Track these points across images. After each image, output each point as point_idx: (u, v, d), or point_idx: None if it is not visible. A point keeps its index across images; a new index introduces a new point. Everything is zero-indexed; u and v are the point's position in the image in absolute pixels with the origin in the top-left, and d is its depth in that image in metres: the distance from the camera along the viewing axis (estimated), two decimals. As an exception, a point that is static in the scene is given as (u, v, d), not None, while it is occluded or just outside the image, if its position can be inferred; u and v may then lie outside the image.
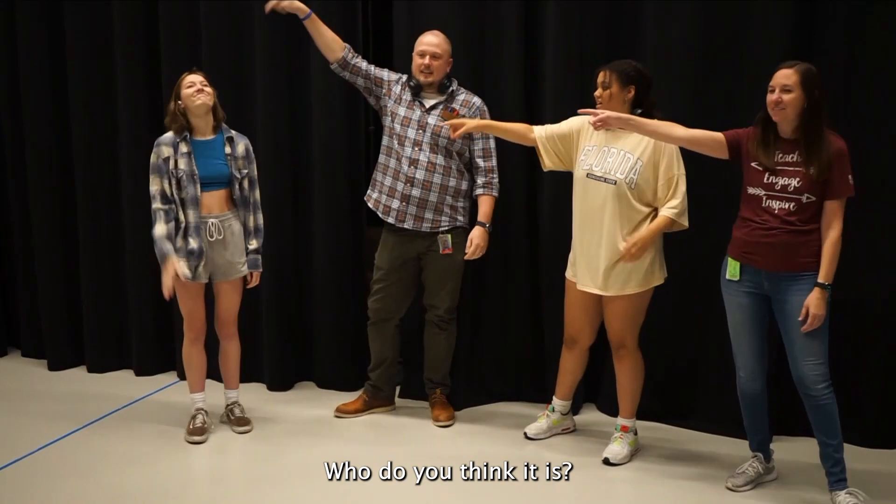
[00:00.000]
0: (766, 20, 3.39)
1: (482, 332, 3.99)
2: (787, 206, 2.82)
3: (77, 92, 4.34)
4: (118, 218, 4.39)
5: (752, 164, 2.90)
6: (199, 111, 3.41)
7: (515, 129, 3.40)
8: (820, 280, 2.78)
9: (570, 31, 3.67)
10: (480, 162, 3.67)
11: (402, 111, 3.64)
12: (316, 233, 4.12)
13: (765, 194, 2.85)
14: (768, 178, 2.85)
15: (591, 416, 3.89)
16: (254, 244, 3.55)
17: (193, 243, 3.40)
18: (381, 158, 3.71)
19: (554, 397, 3.60)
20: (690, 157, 3.54)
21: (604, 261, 3.20)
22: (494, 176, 3.67)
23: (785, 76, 2.79)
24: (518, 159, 3.81)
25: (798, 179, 2.80)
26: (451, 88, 3.64)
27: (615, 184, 3.15)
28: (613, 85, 3.17)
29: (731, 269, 2.96)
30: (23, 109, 4.46)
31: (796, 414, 3.25)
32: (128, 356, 4.51)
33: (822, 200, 2.80)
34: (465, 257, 3.63)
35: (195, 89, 3.40)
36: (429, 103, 3.62)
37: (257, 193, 3.58)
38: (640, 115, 3.10)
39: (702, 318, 3.60)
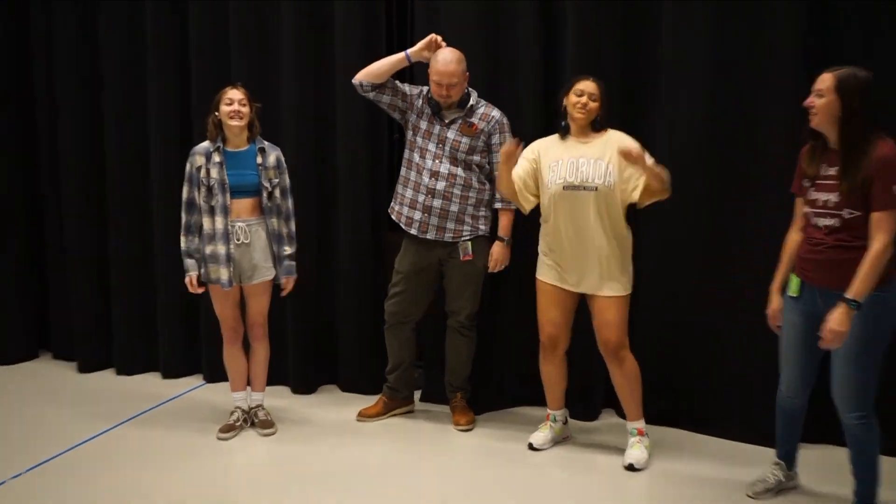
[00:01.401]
0: (780, 25, 3.38)
1: (500, 336, 4.02)
2: (830, 222, 2.67)
3: (110, 100, 4.46)
4: (147, 223, 4.49)
5: (802, 182, 2.79)
6: (234, 130, 3.54)
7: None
8: (847, 295, 2.55)
9: (589, 35, 3.69)
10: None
11: (423, 125, 3.68)
12: (339, 238, 4.19)
13: (811, 211, 2.74)
14: (811, 195, 2.73)
15: (610, 420, 3.91)
16: (288, 250, 3.65)
17: (222, 249, 3.50)
18: (403, 171, 3.76)
19: (549, 409, 3.61)
20: (711, 167, 3.56)
21: (597, 264, 3.27)
22: None
23: (821, 80, 2.65)
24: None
25: (836, 195, 2.64)
26: (469, 103, 3.66)
27: (596, 189, 3.21)
28: (600, 99, 3.27)
29: (793, 284, 2.83)
30: (58, 117, 4.57)
31: (821, 421, 3.23)
32: (155, 359, 4.61)
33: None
34: (489, 271, 3.71)
35: (232, 110, 3.49)
36: (448, 118, 3.66)
37: (290, 202, 3.67)
38: (594, 126, 3.27)
39: (723, 320, 3.60)
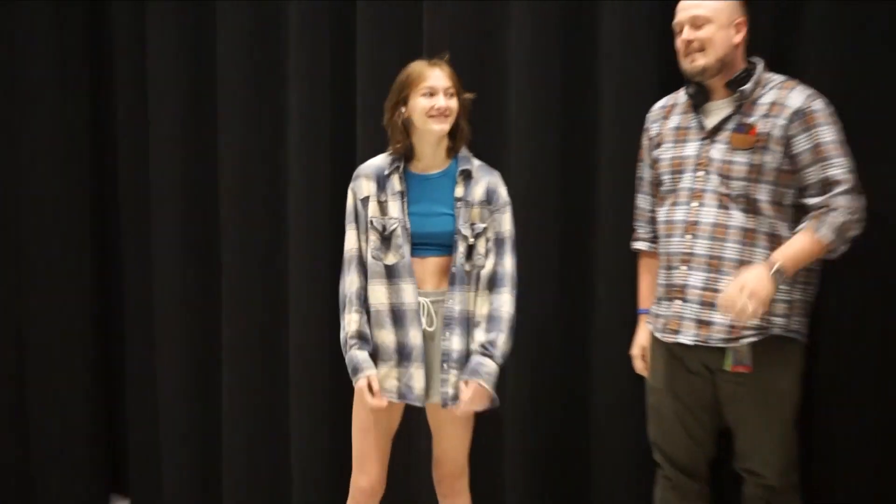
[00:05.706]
0: None
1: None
2: None
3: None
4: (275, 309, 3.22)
5: None
6: (432, 138, 2.33)
7: None
8: None
9: None
10: (812, 179, 2.09)
11: (667, 151, 2.28)
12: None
13: None
14: None
15: None
16: (487, 337, 2.28)
17: (413, 334, 2.31)
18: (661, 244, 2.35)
19: None
20: None
21: None
22: (842, 188, 2.05)
23: None
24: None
25: None
26: (752, 79, 2.15)
27: None
28: None
29: None
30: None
31: None
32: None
33: None
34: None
35: (438, 109, 2.25)
36: (713, 117, 2.20)
37: (507, 263, 2.32)
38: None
39: None
